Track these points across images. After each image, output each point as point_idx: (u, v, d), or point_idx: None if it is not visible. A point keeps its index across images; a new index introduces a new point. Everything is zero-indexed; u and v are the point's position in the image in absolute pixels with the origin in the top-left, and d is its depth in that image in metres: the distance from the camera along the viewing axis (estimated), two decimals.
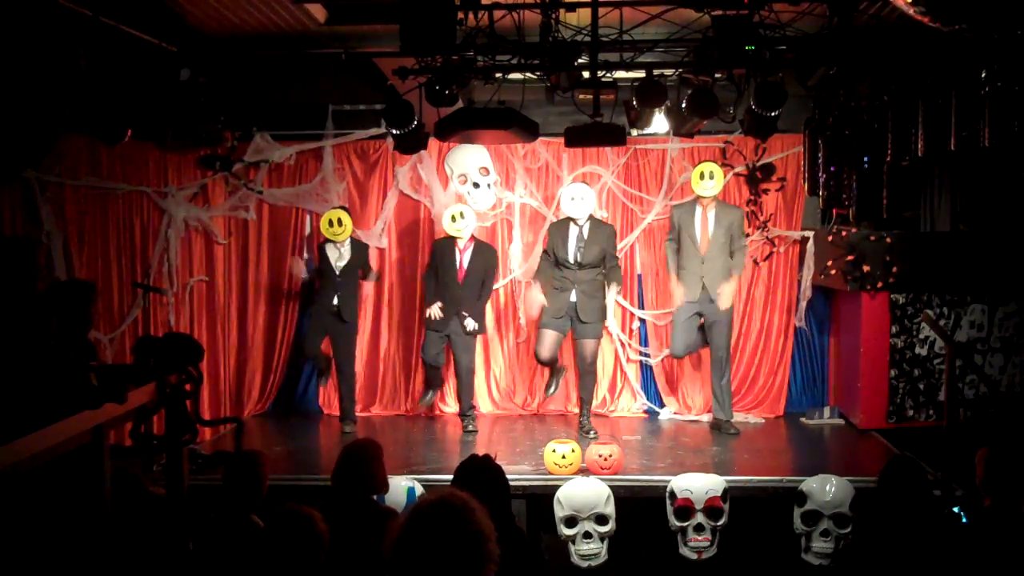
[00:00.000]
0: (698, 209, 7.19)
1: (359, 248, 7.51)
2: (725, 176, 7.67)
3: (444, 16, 5.01)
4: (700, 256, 7.13)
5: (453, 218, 7.31)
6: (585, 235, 7.06)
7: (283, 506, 3.39)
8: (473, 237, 7.40)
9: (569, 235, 7.09)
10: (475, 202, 7.88)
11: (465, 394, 7.53)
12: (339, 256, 7.37)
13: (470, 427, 7.43)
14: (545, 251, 7.30)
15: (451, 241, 7.35)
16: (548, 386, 7.46)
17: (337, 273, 7.35)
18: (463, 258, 7.32)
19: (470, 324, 7.28)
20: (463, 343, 7.36)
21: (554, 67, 5.64)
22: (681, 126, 6.63)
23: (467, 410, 7.52)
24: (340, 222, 7.34)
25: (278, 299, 8.15)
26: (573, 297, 7.06)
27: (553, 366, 7.31)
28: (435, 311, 7.24)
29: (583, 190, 7.16)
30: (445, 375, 7.85)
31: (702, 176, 7.12)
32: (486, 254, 7.44)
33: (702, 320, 7.26)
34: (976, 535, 3.88)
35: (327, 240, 7.39)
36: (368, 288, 8.07)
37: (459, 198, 7.94)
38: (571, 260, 7.04)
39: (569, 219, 7.12)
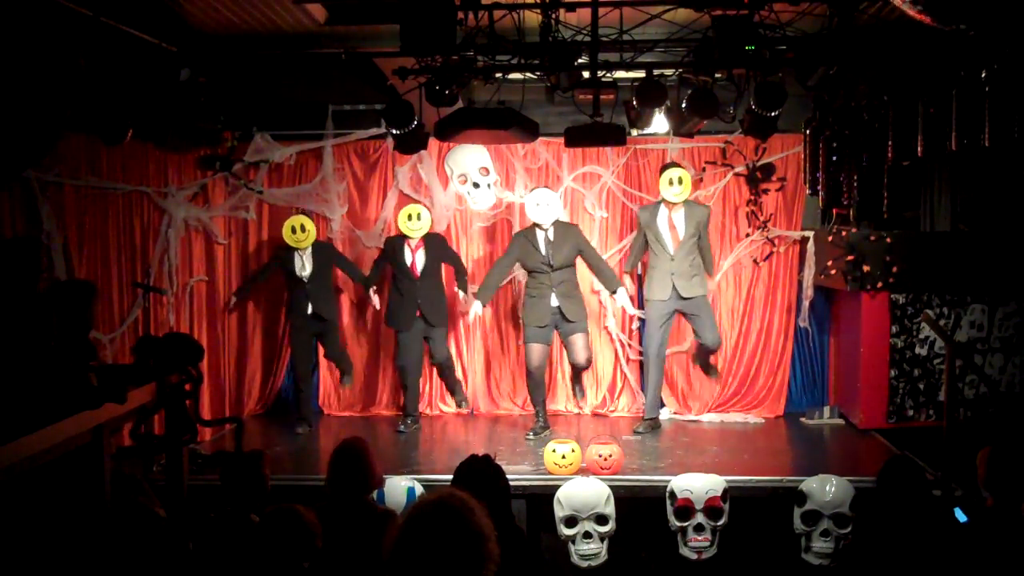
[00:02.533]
0: (664, 210, 7.22)
1: (323, 251, 7.49)
2: (715, 178, 7.77)
3: (444, 16, 5.01)
4: (670, 255, 7.15)
5: (409, 217, 7.31)
6: (552, 238, 7.09)
7: (267, 511, 3.38)
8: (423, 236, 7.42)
9: (538, 239, 7.11)
10: (475, 202, 7.88)
11: (452, 382, 7.66)
12: (303, 265, 7.35)
13: (463, 407, 7.70)
14: (504, 256, 7.36)
15: (402, 240, 7.37)
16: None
17: (306, 281, 7.34)
18: (415, 256, 7.34)
19: (463, 296, 7.47)
20: (434, 336, 7.40)
21: (554, 67, 5.64)
22: (681, 126, 6.63)
23: (460, 399, 7.74)
24: (303, 228, 7.31)
25: (278, 299, 8.14)
26: (554, 301, 7.08)
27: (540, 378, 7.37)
28: (374, 298, 7.52)
29: (548, 196, 7.17)
30: (421, 386, 7.87)
31: (671, 183, 7.13)
32: (437, 245, 7.46)
33: (678, 316, 7.34)
34: (976, 535, 3.88)
35: (288, 248, 7.37)
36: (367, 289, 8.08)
37: (459, 198, 7.94)
38: (543, 264, 7.07)
39: (535, 225, 7.15)
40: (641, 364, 8.11)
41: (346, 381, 7.62)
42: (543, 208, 7.09)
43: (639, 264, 7.68)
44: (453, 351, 7.83)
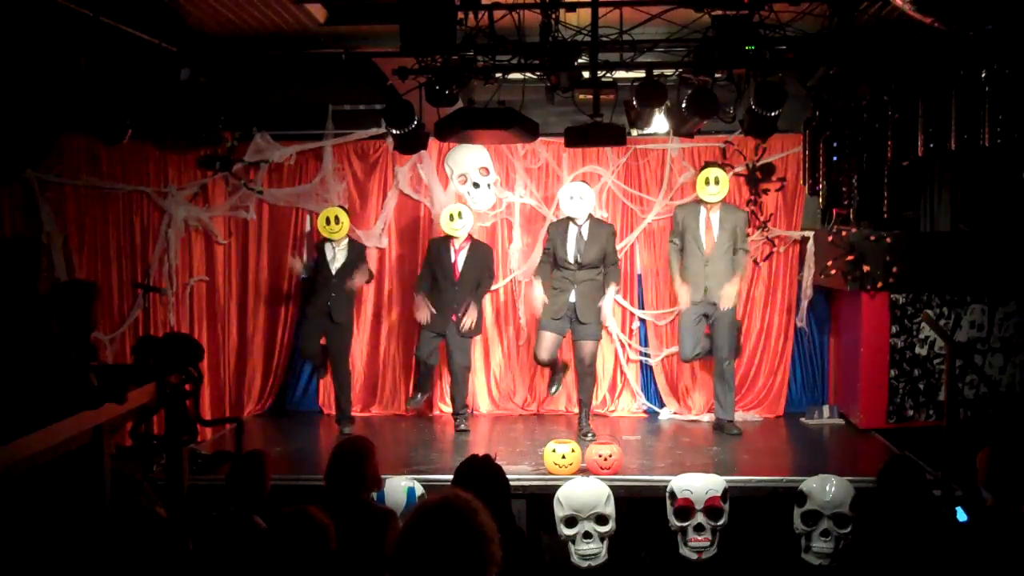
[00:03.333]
0: (702, 210, 7.21)
1: (356, 248, 7.50)
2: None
3: (444, 16, 5.01)
4: (704, 258, 7.15)
5: (451, 217, 7.32)
6: (585, 235, 7.05)
7: (281, 510, 3.37)
8: (470, 236, 7.42)
9: (568, 235, 7.08)
10: (475, 202, 7.87)
11: (459, 393, 7.51)
12: (334, 256, 7.37)
13: (462, 426, 7.43)
14: (545, 250, 7.31)
15: (447, 241, 7.37)
16: (551, 384, 7.47)
17: (332, 273, 7.33)
18: (458, 257, 7.33)
19: (466, 322, 7.24)
20: (459, 343, 7.36)
21: (554, 67, 5.64)
22: (681, 126, 6.63)
23: (460, 408, 7.50)
24: (337, 219, 7.36)
25: (278, 299, 8.14)
26: (572, 298, 7.05)
27: (554, 366, 7.32)
28: (424, 315, 7.26)
29: (582, 189, 7.16)
30: (437, 377, 7.86)
31: (707, 182, 7.12)
32: (482, 253, 7.44)
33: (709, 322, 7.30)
34: (976, 535, 3.88)
35: (325, 239, 7.40)
36: (366, 289, 8.06)
37: (459, 198, 7.94)
38: (571, 260, 7.04)
39: (569, 219, 7.12)
40: (642, 364, 8.13)
41: (346, 428, 7.43)
42: (576, 202, 7.07)
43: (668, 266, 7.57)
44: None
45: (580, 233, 7.06)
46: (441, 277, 7.31)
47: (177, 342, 3.77)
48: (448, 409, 7.92)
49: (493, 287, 8.09)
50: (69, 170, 6.16)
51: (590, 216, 7.13)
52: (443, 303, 7.29)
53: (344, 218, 7.40)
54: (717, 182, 7.12)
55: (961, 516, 4.40)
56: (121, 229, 6.84)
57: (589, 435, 7.05)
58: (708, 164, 7.36)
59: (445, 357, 7.57)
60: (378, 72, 6.36)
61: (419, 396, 7.49)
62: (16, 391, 2.89)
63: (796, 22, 5.50)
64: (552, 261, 7.17)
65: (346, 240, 7.42)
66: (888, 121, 5.63)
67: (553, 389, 7.47)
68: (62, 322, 3.76)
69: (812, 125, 6.45)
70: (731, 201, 7.94)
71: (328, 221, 7.35)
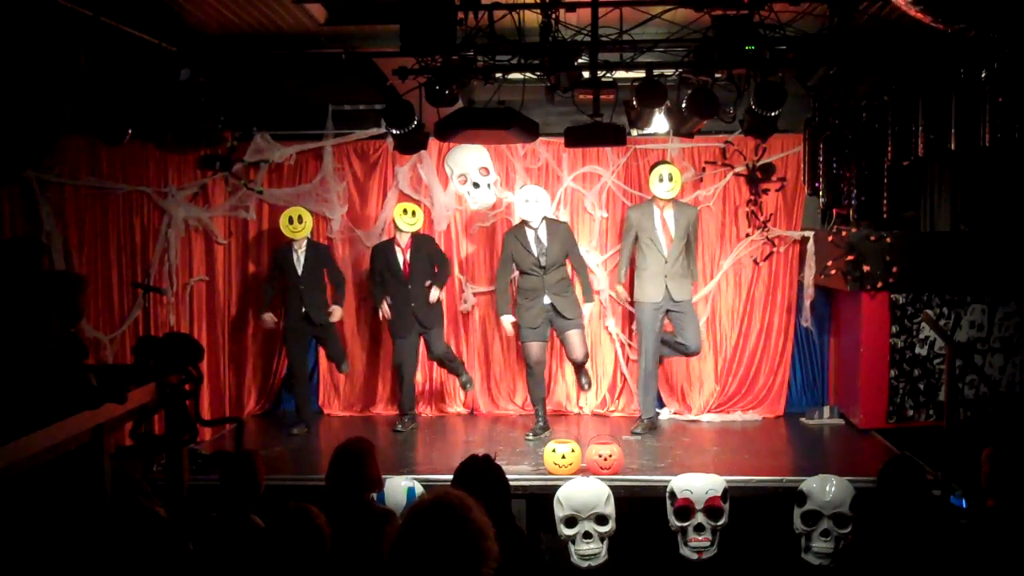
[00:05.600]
0: (655, 210, 7.21)
1: (317, 248, 7.50)
2: (715, 178, 7.82)
3: (444, 16, 5.01)
4: (664, 257, 7.15)
5: (404, 211, 7.34)
6: (543, 237, 7.09)
7: (280, 507, 3.37)
8: (412, 236, 7.41)
9: (528, 240, 7.12)
10: (475, 202, 7.88)
11: (456, 369, 7.64)
12: (298, 259, 7.38)
13: (468, 387, 7.69)
14: (503, 259, 7.31)
15: (390, 243, 7.41)
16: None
17: (299, 275, 7.36)
18: (405, 256, 7.36)
19: (433, 294, 7.31)
20: (429, 336, 7.42)
21: (554, 67, 5.64)
22: (681, 126, 6.63)
23: (465, 382, 7.69)
24: (300, 219, 7.35)
25: (278, 299, 8.13)
26: (547, 300, 7.08)
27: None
28: (384, 309, 7.38)
29: (537, 192, 7.19)
30: (421, 385, 7.92)
31: (660, 179, 7.14)
32: (426, 244, 7.45)
33: (667, 320, 7.32)
34: (977, 535, 3.88)
35: (284, 246, 7.42)
36: (365, 289, 8.06)
37: (459, 198, 7.95)
38: (536, 264, 7.08)
39: (524, 223, 7.15)
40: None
41: (343, 368, 7.56)
42: (532, 205, 7.10)
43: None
44: (452, 347, 7.83)
45: (538, 236, 7.10)
46: (391, 279, 7.36)
47: (177, 342, 3.77)
48: (451, 409, 7.94)
49: (489, 288, 8.11)
50: (69, 170, 6.15)
51: (545, 218, 7.15)
52: (401, 309, 7.35)
53: (307, 217, 7.38)
54: (671, 178, 7.13)
55: (958, 502, 4.40)
56: (121, 229, 6.84)
57: (587, 384, 7.51)
58: (660, 162, 7.37)
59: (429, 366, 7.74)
60: (378, 72, 6.35)
61: (406, 420, 7.49)
62: (16, 391, 2.89)
63: (796, 22, 5.50)
64: (512, 266, 7.22)
65: (306, 240, 7.42)
66: (888, 121, 5.63)
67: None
68: (60, 320, 3.75)
69: (812, 125, 6.46)
70: (731, 201, 7.96)
71: (291, 220, 7.33)
